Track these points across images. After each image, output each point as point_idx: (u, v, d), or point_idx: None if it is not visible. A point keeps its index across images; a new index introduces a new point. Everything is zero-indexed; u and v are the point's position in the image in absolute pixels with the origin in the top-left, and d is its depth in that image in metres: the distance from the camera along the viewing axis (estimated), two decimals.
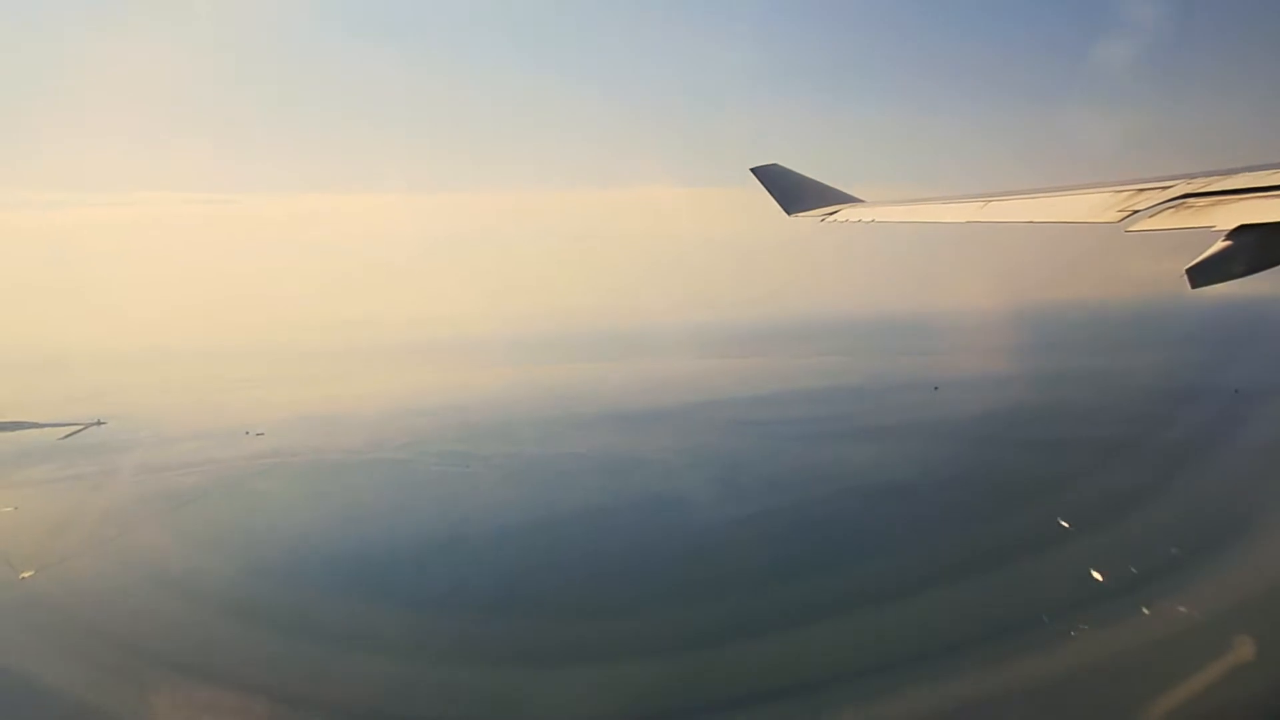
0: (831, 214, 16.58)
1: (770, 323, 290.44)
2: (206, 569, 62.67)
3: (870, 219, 15.60)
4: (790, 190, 17.94)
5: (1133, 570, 55.95)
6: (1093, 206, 11.33)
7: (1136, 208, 10.68)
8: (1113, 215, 10.81)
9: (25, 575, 62.77)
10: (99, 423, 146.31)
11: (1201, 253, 9.41)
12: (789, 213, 17.54)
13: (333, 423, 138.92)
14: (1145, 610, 51.40)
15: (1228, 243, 9.33)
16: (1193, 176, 10.83)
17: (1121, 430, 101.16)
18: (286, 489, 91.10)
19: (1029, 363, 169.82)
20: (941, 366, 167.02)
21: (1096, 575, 56.68)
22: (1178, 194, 10.53)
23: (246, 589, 58.13)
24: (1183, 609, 50.86)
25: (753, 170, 18.42)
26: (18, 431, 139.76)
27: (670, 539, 66.50)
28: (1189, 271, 9.34)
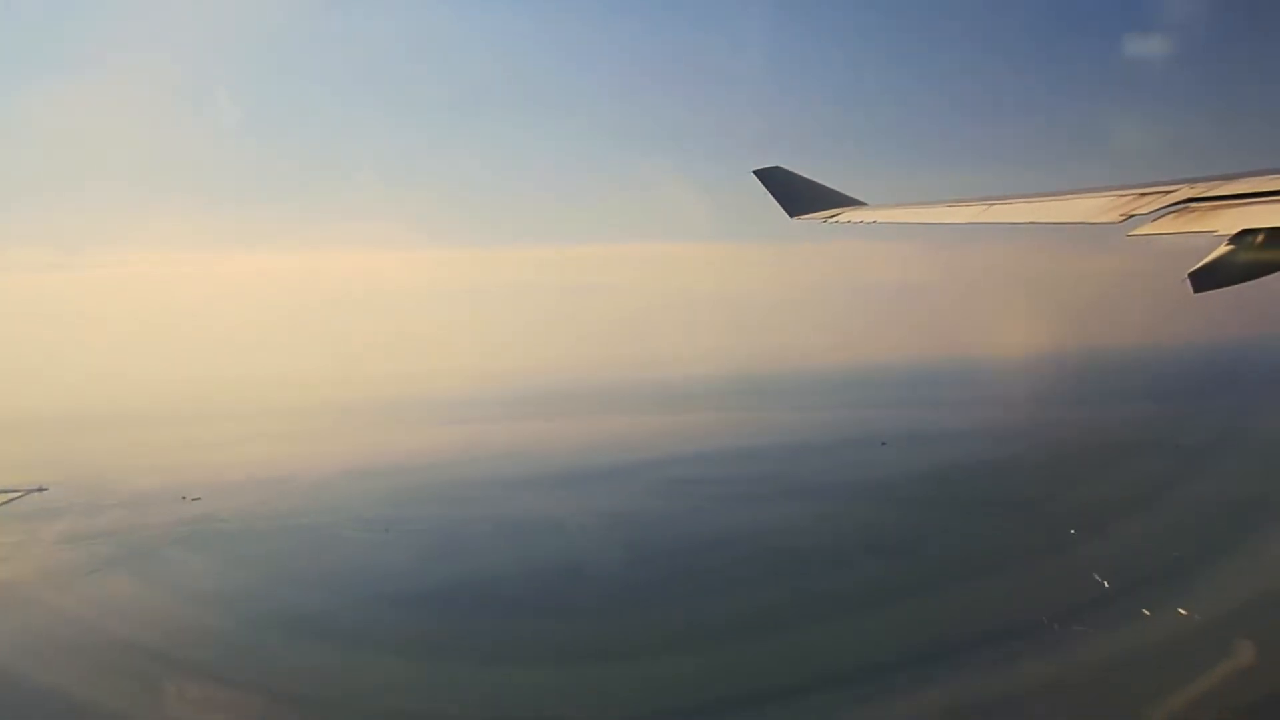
0: (834, 216, 16.50)
1: (731, 376, 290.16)
2: (81, 647, 61.50)
3: (872, 220, 15.60)
4: (792, 193, 17.79)
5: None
6: (1094, 209, 11.27)
7: (1138, 212, 10.60)
8: (1114, 217, 10.76)
9: None
10: (40, 489, 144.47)
11: (1204, 258, 9.42)
12: (791, 215, 17.42)
13: (273, 486, 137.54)
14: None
15: (1230, 247, 9.31)
16: (1195, 181, 10.74)
17: (1053, 490, 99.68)
18: (193, 558, 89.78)
19: (983, 416, 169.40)
20: (894, 420, 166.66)
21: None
22: (1180, 198, 10.44)
23: (113, 668, 56.95)
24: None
25: (755, 172, 18.21)
26: None
27: (554, 609, 65.51)
28: (1191, 276, 9.35)
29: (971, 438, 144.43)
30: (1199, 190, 10.48)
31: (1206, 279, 9.39)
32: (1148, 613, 55.07)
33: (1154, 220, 10.39)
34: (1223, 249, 9.41)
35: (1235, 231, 9.39)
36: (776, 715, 46.80)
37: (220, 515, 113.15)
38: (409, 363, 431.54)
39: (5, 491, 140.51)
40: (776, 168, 18.25)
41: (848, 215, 16.34)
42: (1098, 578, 62.65)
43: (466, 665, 53.71)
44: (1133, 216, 10.61)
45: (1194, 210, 10.22)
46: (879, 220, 15.59)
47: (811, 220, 16.97)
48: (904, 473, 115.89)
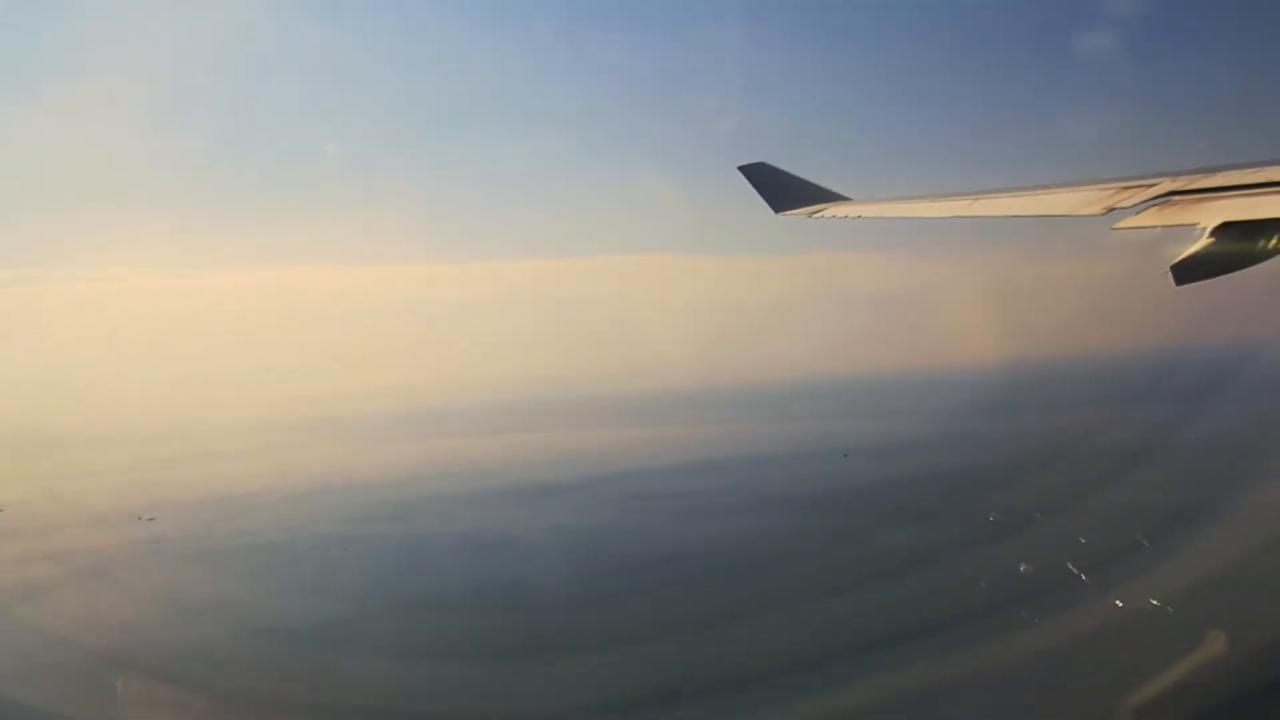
0: (818, 211, 16.39)
1: (710, 388, 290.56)
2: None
3: (857, 215, 15.45)
4: (778, 188, 17.74)
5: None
6: (1077, 203, 11.30)
7: (1121, 205, 10.64)
8: (1096, 210, 10.82)
9: None
10: None
11: (1186, 250, 9.57)
12: (776, 210, 17.34)
13: (234, 504, 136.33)
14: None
15: (1211, 240, 9.45)
16: (1177, 174, 10.79)
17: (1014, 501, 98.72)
18: (134, 581, 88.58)
19: (952, 425, 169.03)
20: (861, 431, 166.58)
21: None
22: (1162, 191, 10.51)
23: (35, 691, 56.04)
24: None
25: (740, 168, 18.14)
26: None
27: (484, 623, 65.15)
28: (1173, 269, 9.48)
29: (936, 447, 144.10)
30: (1181, 183, 10.53)
31: (1189, 271, 9.46)
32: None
33: (1136, 213, 10.42)
34: (1205, 241, 9.50)
35: (1217, 224, 9.48)
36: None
37: (171, 536, 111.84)
38: (392, 377, 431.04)
39: None
40: (761, 164, 18.22)
41: (832, 210, 16.23)
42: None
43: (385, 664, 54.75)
44: (1115, 210, 10.64)
45: (1176, 203, 10.28)
46: (863, 215, 15.45)
47: (797, 215, 16.87)
48: (854, 484, 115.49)
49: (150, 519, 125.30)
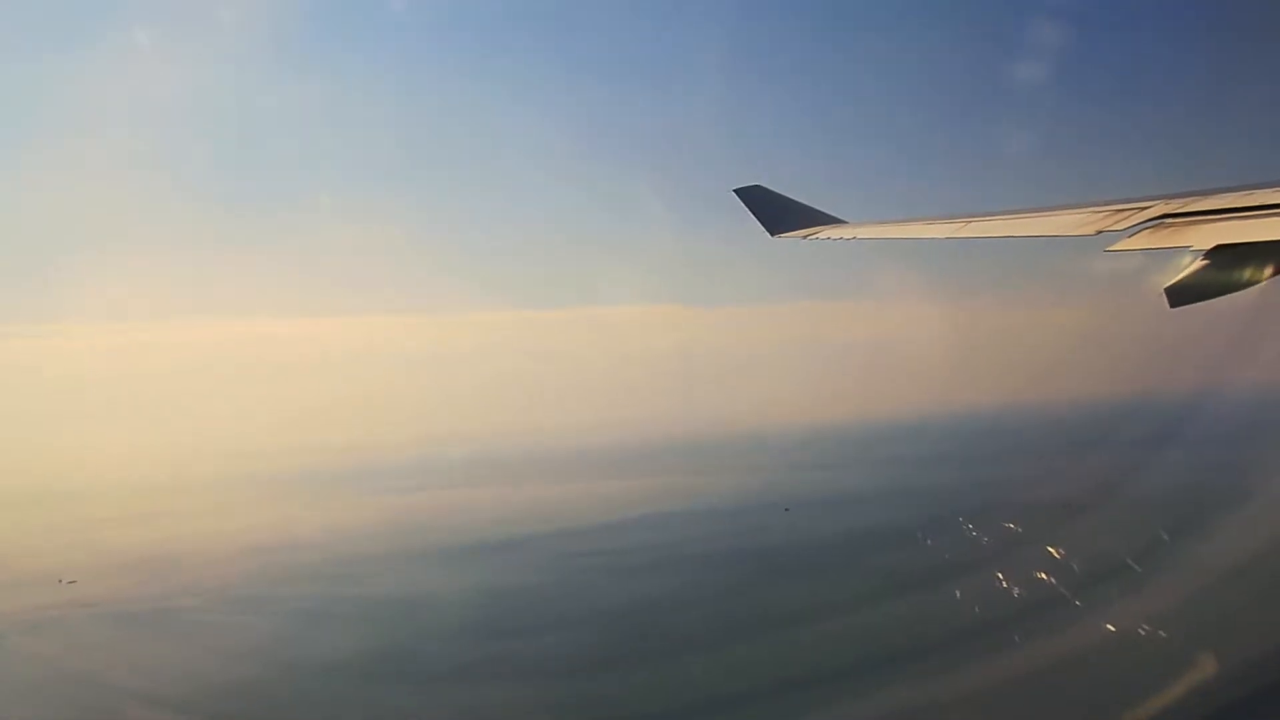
0: (813, 234, 16.61)
1: (671, 440, 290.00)
2: None
3: (852, 236, 15.68)
4: (773, 211, 17.84)
5: None
6: (1069, 225, 11.36)
7: (1114, 228, 10.67)
8: (1089, 232, 10.93)
9: None
10: None
11: (1179, 273, 9.55)
12: (772, 234, 17.49)
13: (160, 566, 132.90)
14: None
15: (1205, 263, 9.45)
16: (1170, 197, 10.82)
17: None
18: (30, 647, 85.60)
19: (903, 477, 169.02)
20: (808, 484, 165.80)
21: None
22: (1155, 214, 10.51)
23: None
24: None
25: (736, 191, 18.26)
26: None
27: (379, 693, 63.18)
28: (1167, 291, 9.49)
29: (882, 501, 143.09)
30: (1174, 206, 10.52)
31: (1182, 294, 9.46)
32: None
33: (1129, 236, 10.41)
34: (1199, 264, 9.51)
35: (1210, 247, 9.47)
36: None
37: (84, 600, 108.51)
38: (353, 432, 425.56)
39: None
40: (756, 186, 18.25)
41: (827, 233, 16.37)
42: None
43: None
44: (1106, 232, 10.67)
45: (1169, 226, 10.25)
46: (858, 236, 15.60)
47: (792, 238, 17.01)
48: (797, 540, 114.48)
49: (71, 582, 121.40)
